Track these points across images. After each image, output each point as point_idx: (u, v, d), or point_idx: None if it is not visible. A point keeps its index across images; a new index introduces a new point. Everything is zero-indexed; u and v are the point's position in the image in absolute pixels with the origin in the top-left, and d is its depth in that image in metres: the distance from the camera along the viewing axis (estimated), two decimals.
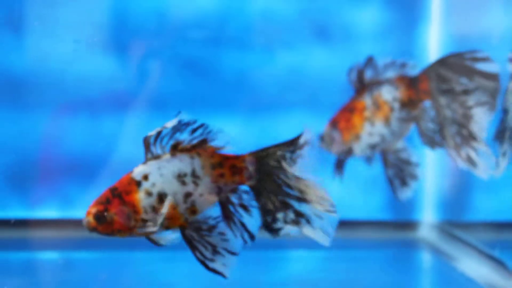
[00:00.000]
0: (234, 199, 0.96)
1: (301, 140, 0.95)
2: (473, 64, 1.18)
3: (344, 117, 1.26)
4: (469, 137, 1.17)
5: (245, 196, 0.95)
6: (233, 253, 0.94)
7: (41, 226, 1.40)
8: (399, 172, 1.26)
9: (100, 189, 1.39)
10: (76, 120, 1.39)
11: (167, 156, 0.93)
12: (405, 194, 1.25)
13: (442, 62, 1.21)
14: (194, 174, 0.93)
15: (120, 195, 0.91)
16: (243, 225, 0.94)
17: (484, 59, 1.18)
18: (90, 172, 1.38)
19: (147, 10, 1.40)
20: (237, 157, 0.95)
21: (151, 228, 0.92)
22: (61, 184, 1.42)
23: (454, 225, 1.47)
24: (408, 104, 1.24)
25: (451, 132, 1.19)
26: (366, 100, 1.24)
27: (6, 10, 1.36)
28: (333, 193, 1.44)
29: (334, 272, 1.27)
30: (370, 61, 1.25)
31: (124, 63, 1.39)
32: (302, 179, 0.94)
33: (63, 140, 1.40)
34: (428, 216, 1.51)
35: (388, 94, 1.24)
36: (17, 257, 1.32)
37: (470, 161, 1.15)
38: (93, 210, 0.91)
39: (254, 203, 0.95)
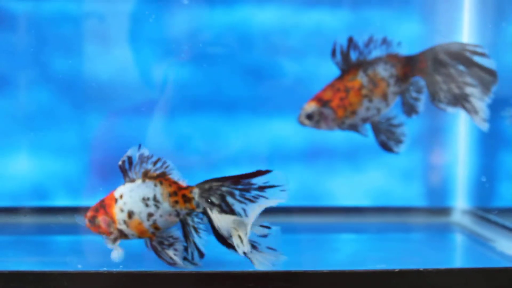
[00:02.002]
0: (189, 221, 1.19)
1: (260, 182, 1.14)
2: (472, 56, 1.30)
3: (337, 96, 1.32)
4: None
5: (196, 219, 1.19)
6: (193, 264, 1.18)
7: None
8: (391, 135, 1.36)
9: None
10: (153, 121, 1.55)
11: (139, 181, 1.18)
12: (401, 149, 1.36)
13: (443, 47, 1.32)
14: (155, 199, 1.18)
15: (104, 207, 1.19)
16: (195, 243, 1.18)
17: (483, 54, 1.30)
18: None
19: (216, 23, 1.57)
20: (186, 188, 1.18)
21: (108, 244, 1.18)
22: None
23: (486, 210, 1.56)
24: (402, 79, 1.33)
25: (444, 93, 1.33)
26: (362, 79, 1.32)
27: (94, 25, 1.54)
28: (375, 183, 1.62)
29: (379, 251, 1.39)
30: (351, 41, 1.32)
31: (196, 70, 1.57)
32: (236, 219, 1.13)
33: (142, 140, 1.56)
34: (461, 202, 1.62)
35: (384, 71, 1.32)
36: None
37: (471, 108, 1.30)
38: (88, 214, 1.20)
39: (203, 226, 1.19)
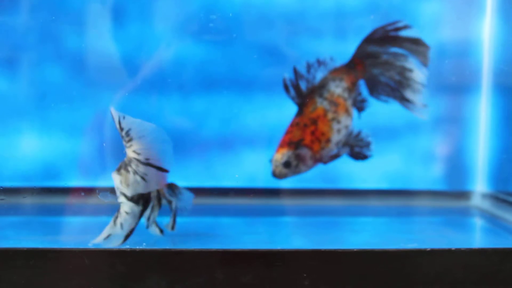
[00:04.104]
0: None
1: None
2: (397, 33, 1.31)
3: (307, 132, 1.31)
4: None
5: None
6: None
7: None
8: (360, 143, 1.36)
9: (189, 163, 1.55)
10: (169, 99, 1.54)
11: None
12: (372, 149, 1.36)
13: (368, 40, 1.33)
14: None
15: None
16: None
17: (405, 27, 1.31)
18: (180, 147, 1.53)
19: (234, 2, 1.54)
20: None
21: None
22: None
23: (507, 194, 1.55)
24: (351, 88, 1.33)
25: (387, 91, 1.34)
26: (322, 104, 1.31)
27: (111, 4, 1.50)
28: (394, 166, 1.60)
29: (400, 233, 1.39)
30: (296, 72, 1.33)
31: (213, 49, 1.53)
32: None
33: (159, 118, 1.54)
34: (480, 186, 1.61)
35: (337, 88, 1.32)
36: None
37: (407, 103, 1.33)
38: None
39: None
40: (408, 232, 1.40)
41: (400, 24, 1.32)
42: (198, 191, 1.29)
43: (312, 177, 1.47)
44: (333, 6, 1.55)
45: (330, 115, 1.29)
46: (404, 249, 1.08)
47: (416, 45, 1.31)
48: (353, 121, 1.35)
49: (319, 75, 1.31)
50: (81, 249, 1.05)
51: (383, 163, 1.60)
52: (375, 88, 1.35)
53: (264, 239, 1.30)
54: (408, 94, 1.32)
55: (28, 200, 1.36)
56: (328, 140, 1.29)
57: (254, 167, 1.53)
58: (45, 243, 1.20)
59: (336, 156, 1.34)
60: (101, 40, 1.49)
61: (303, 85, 1.30)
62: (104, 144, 1.42)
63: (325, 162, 1.33)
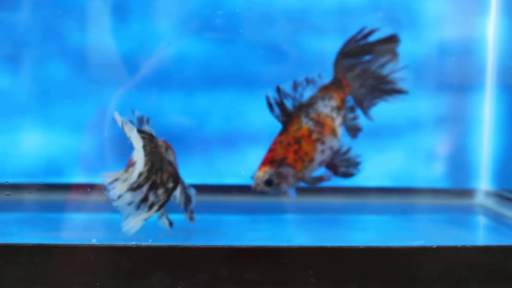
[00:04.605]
0: None
1: None
2: (366, 40, 1.31)
3: (290, 151, 1.29)
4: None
5: None
6: None
7: None
8: (347, 163, 1.34)
9: (192, 160, 1.55)
10: (172, 97, 1.54)
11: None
12: (360, 168, 1.34)
13: (341, 55, 1.32)
14: None
15: None
16: None
17: (372, 32, 1.31)
18: (184, 145, 1.53)
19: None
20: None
21: None
22: None
23: (510, 192, 1.55)
24: (341, 106, 1.32)
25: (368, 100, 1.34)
26: (308, 124, 1.29)
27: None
28: (397, 163, 1.60)
29: (403, 231, 1.39)
30: (279, 91, 1.30)
31: (216, 46, 1.53)
32: None
33: (160, 115, 1.54)
34: (484, 184, 1.61)
35: (325, 107, 1.30)
36: None
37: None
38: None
39: None
40: (411, 230, 1.40)
41: (365, 31, 1.32)
42: (201, 188, 1.30)
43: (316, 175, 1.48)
44: (337, 3, 1.55)
45: (314, 136, 1.28)
46: (409, 246, 1.08)
47: (385, 45, 1.32)
48: (342, 140, 1.34)
49: (307, 93, 1.30)
50: (86, 245, 1.05)
51: (386, 161, 1.60)
52: (363, 103, 1.35)
53: (267, 236, 1.30)
54: (391, 90, 1.33)
55: (32, 196, 1.35)
56: (311, 160, 1.29)
57: (257, 164, 1.53)
58: (48, 239, 1.20)
59: (321, 180, 1.33)
60: (104, 36, 1.49)
61: (289, 103, 1.29)
62: (106, 134, 1.42)
63: (308, 183, 1.32)
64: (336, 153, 1.31)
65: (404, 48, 1.55)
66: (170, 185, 1.15)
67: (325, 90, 1.31)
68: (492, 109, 1.60)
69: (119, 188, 1.10)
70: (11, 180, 1.31)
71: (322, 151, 1.29)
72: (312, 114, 1.28)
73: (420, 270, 1.08)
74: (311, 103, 1.29)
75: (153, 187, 1.13)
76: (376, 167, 1.58)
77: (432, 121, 1.59)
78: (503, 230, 1.41)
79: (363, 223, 1.46)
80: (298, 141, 1.28)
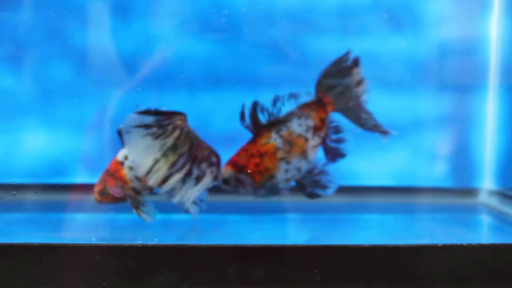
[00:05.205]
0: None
1: None
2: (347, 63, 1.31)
3: (252, 162, 1.28)
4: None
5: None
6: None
7: None
8: (315, 184, 1.34)
9: None
10: (176, 96, 1.54)
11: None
12: (329, 192, 1.34)
13: (325, 75, 1.31)
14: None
15: (112, 174, 1.24)
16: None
17: (347, 55, 1.31)
18: None
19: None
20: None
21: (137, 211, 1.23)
22: None
23: None
24: (320, 126, 1.30)
25: (366, 114, 1.33)
26: (275, 141, 1.27)
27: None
28: (400, 163, 1.60)
29: (406, 230, 1.39)
30: (256, 106, 1.28)
31: (218, 45, 1.53)
32: None
33: None
34: (488, 183, 1.61)
35: (299, 127, 1.28)
36: None
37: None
38: (96, 189, 1.25)
39: None
40: (415, 229, 1.40)
41: (346, 57, 1.32)
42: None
43: None
44: (341, 3, 1.55)
45: (280, 154, 1.27)
46: (415, 245, 1.08)
47: (350, 69, 1.32)
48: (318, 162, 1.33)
49: (286, 108, 1.29)
50: (92, 245, 1.05)
51: (390, 160, 1.60)
52: (352, 115, 1.34)
53: (270, 236, 1.30)
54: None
55: (36, 197, 1.35)
56: (271, 176, 1.28)
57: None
58: (54, 239, 1.19)
59: (273, 191, 1.31)
60: (108, 36, 1.49)
61: (264, 117, 1.28)
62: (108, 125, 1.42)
63: (267, 193, 1.31)
64: (308, 174, 1.31)
65: (406, 47, 1.57)
66: (214, 159, 1.23)
67: (304, 108, 1.29)
68: (495, 108, 1.60)
69: (159, 173, 1.18)
70: (16, 180, 1.31)
71: (286, 171, 1.28)
72: (283, 132, 1.27)
73: (426, 268, 1.08)
74: (285, 120, 1.28)
75: (195, 161, 1.20)
76: (380, 167, 1.59)
77: (435, 121, 1.59)
78: (506, 229, 1.41)
79: (367, 222, 1.46)
80: (261, 155, 1.27)
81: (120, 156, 1.24)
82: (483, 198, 1.59)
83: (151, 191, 1.25)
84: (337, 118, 1.34)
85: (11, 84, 1.49)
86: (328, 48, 1.54)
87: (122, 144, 1.23)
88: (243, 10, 1.50)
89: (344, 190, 1.57)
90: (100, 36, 1.49)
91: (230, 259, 1.05)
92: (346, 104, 1.31)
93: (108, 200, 1.24)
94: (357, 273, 1.07)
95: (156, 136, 1.18)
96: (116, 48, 1.48)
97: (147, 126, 1.18)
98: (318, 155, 1.33)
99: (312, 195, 1.34)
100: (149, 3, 1.51)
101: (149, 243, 1.05)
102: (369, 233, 1.36)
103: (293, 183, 1.33)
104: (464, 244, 1.08)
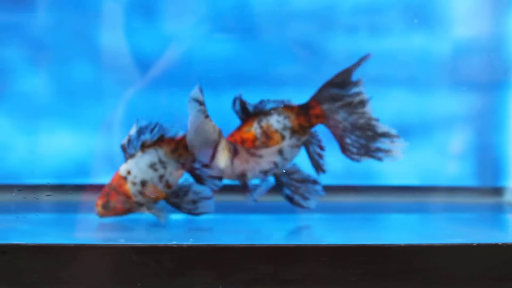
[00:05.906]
0: (196, 165, 1.28)
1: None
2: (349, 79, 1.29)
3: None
4: (376, 136, 1.30)
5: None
6: (208, 198, 1.29)
7: None
8: (296, 189, 1.34)
9: None
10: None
11: (139, 153, 1.27)
12: (310, 204, 1.33)
13: (331, 83, 1.30)
14: (161, 161, 1.27)
15: (115, 188, 1.26)
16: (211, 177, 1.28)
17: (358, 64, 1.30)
18: None
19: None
20: (183, 138, 1.28)
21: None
22: None
23: None
24: (299, 131, 1.31)
25: (351, 140, 1.30)
26: (256, 131, 1.31)
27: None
28: (426, 162, 1.59)
29: (433, 229, 1.39)
30: (241, 101, 1.32)
31: (242, 45, 1.53)
32: None
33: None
34: None
35: (277, 123, 1.31)
36: None
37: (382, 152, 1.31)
38: (99, 202, 1.27)
39: None
40: (441, 228, 1.39)
41: (354, 67, 1.31)
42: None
43: (343, 173, 1.48)
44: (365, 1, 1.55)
45: (257, 143, 1.31)
46: (449, 244, 1.07)
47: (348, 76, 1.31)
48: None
49: (273, 104, 1.32)
50: (128, 245, 1.05)
51: (414, 159, 1.59)
52: (344, 143, 1.32)
53: (299, 235, 1.30)
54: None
55: (68, 197, 1.36)
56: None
57: None
58: (84, 240, 1.20)
59: (242, 178, 1.32)
60: (132, 37, 1.49)
61: (251, 108, 1.32)
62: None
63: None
64: (287, 173, 1.33)
65: (429, 46, 1.56)
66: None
67: (286, 108, 1.31)
68: None
69: (223, 157, 1.25)
70: (51, 181, 1.31)
71: (258, 162, 1.30)
72: (263, 124, 1.31)
73: (461, 267, 1.07)
74: (267, 113, 1.31)
75: None
76: (404, 166, 1.58)
77: (460, 119, 1.58)
78: None
79: (392, 222, 1.46)
80: (242, 141, 1.31)
81: (122, 170, 1.28)
82: (509, 197, 1.58)
83: (155, 203, 1.29)
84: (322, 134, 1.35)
85: (37, 85, 1.49)
86: (355, 48, 1.54)
87: (124, 158, 1.28)
88: (272, 10, 1.50)
89: (370, 189, 1.57)
90: (125, 36, 1.49)
91: (264, 259, 1.05)
92: (336, 123, 1.30)
93: (111, 214, 1.28)
94: (392, 272, 1.06)
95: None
96: (139, 49, 1.49)
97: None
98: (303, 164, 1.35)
99: (291, 200, 1.34)
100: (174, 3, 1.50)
101: (184, 243, 1.05)
102: (397, 233, 1.35)
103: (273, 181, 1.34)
104: (500, 243, 1.07)
